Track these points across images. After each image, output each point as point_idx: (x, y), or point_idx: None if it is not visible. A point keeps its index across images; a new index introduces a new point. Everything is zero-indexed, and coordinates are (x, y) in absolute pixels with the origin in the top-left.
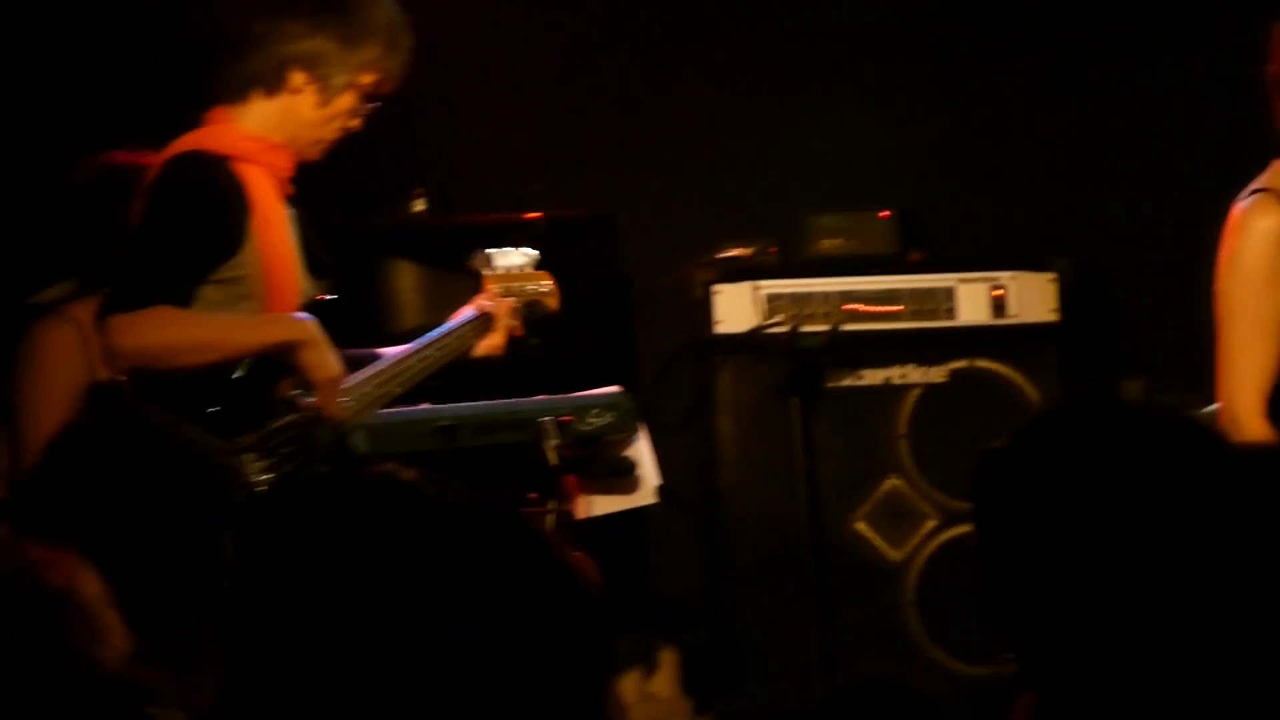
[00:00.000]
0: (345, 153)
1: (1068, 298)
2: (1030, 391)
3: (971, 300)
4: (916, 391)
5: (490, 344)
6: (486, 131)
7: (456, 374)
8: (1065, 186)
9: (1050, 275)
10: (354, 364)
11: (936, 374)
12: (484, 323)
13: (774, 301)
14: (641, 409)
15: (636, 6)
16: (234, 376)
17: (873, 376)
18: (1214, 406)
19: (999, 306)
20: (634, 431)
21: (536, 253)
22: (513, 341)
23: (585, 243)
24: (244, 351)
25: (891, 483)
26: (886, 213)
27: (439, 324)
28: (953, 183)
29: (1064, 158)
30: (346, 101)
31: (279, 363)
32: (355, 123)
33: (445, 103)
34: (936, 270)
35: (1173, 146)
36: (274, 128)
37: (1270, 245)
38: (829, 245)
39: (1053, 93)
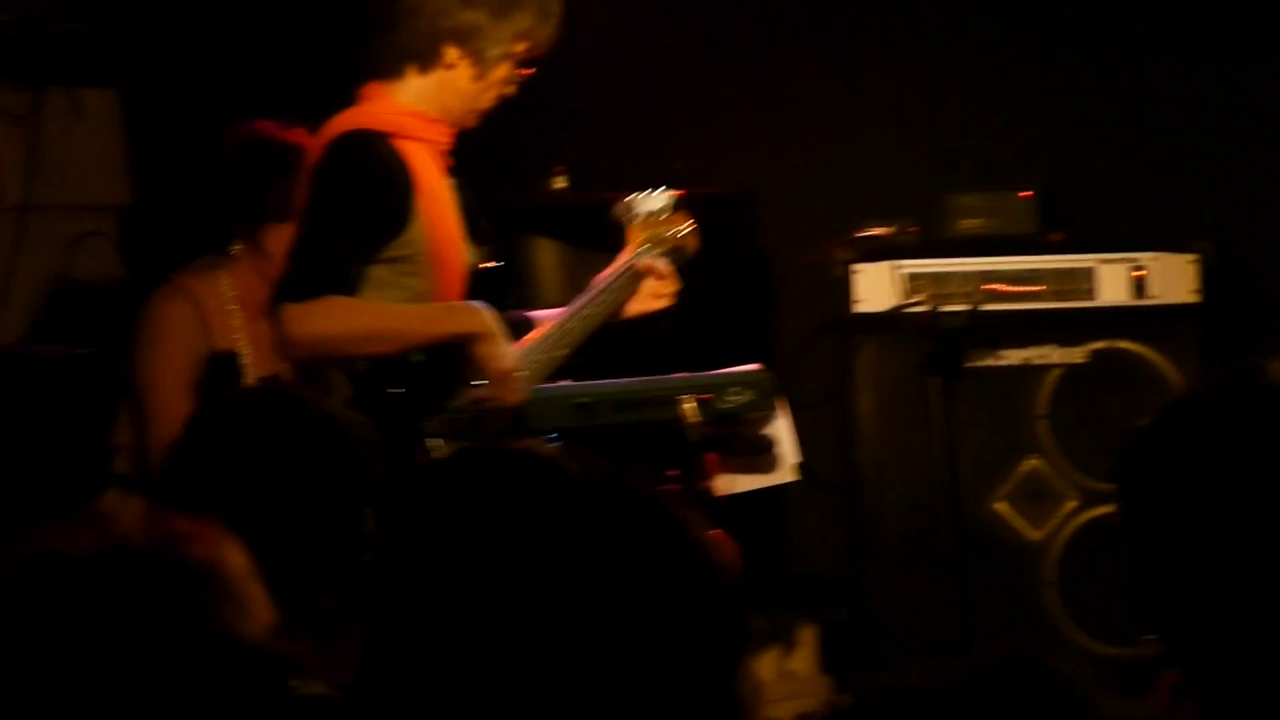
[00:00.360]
0: (487, 129)
1: (1209, 279)
2: (1170, 373)
3: (1112, 281)
4: (1057, 372)
5: (640, 304)
6: (627, 108)
7: (596, 349)
8: (1207, 166)
9: (1191, 256)
10: (511, 328)
11: (1076, 354)
12: (636, 276)
13: (914, 281)
14: (781, 387)
15: None
16: (413, 360)
17: (1012, 356)
18: None
19: (1139, 287)
20: (773, 409)
21: (676, 193)
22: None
23: (725, 220)
24: (419, 343)
25: (1031, 463)
26: (1027, 193)
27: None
28: (1094, 162)
29: (1207, 137)
30: (501, 72)
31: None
32: (510, 89)
33: (586, 79)
34: (1077, 251)
35: None
36: (430, 100)
37: None
38: (969, 225)
39: (1196, 70)
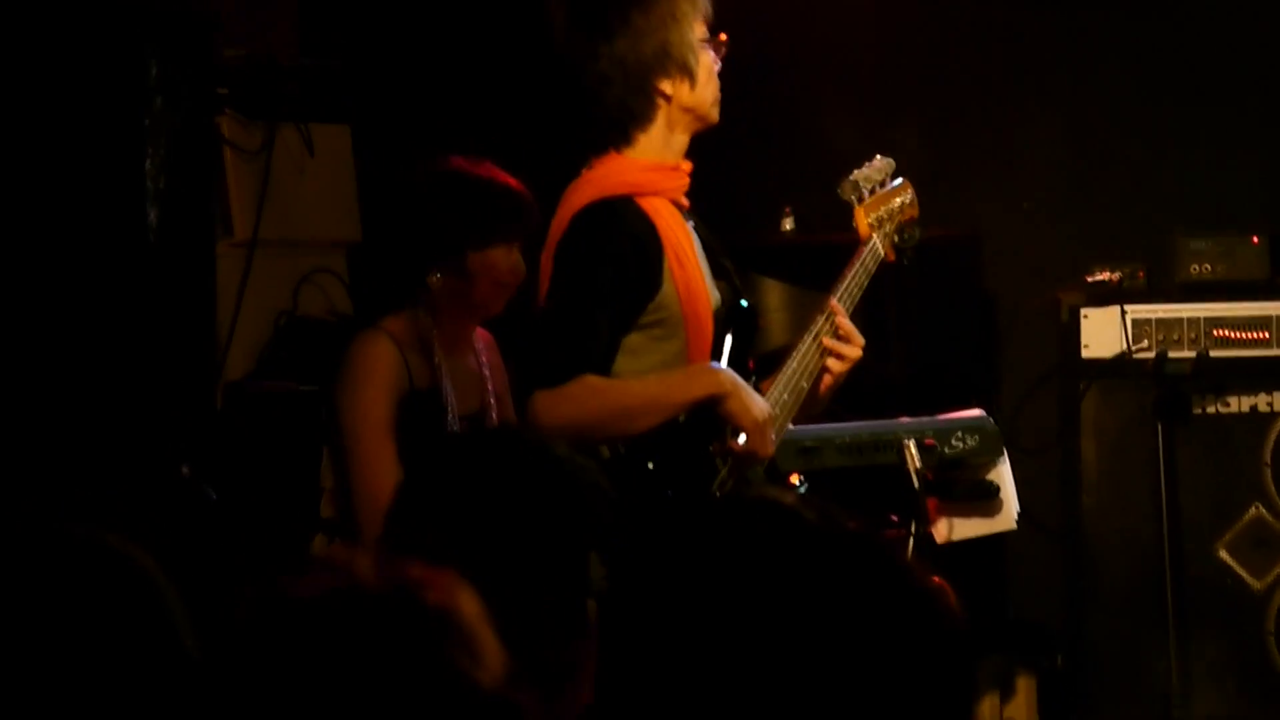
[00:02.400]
0: (715, 171)
1: None
2: None
3: None
4: None
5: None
6: (854, 149)
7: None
8: None
9: None
10: (761, 368)
11: None
12: (876, 259)
13: (1141, 326)
14: (1005, 433)
15: (1003, 27)
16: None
17: (1239, 403)
18: None
19: None
20: (997, 455)
21: (892, 161)
22: (896, 252)
23: (950, 263)
24: (669, 413)
25: (1255, 511)
26: (1257, 238)
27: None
28: None
29: None
30: (705, 61)
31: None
32: (719, 65)
33: (813, 121)
34: None
35: None
36: (663, 143)
37: None
38: (1198, 270)
39: None
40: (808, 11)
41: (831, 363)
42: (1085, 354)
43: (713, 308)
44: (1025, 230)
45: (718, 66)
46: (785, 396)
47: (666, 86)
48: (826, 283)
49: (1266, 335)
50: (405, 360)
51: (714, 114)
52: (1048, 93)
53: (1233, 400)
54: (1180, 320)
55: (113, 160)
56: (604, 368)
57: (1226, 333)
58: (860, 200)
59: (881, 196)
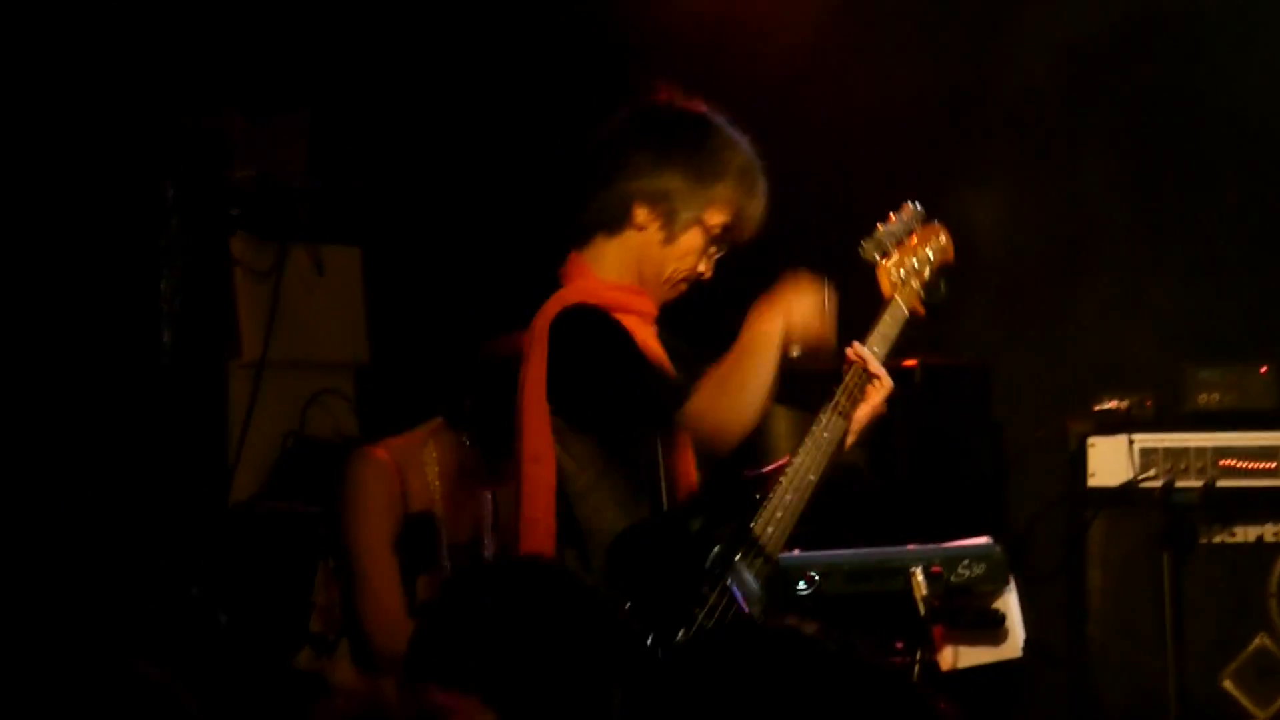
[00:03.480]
0: (725, 295)
1: None
2: None
3: None
4: None
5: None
6: (857, 279)
7: (827, 519)
8: None
9: None
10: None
11: None
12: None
13: (1149, 455)
14: (1012, 561)
15: (1009, 163)
16: (693, 529)
17: (1245, 533)
18: None
19: None
20: (1004, 583)
21: (920, 209)
22: (926, 306)
23: (959, 391)
24: (773, 362)
25: (1260, 641)
26: (1266, 368)
27: None
28: None
29: None
30: (693, 240)
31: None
32: (705, 268)
33: (814, 247)
34: None
35: None
36: (624, 268)
37: None
38: (1206, 399)
39: None
40: (804, 138)
41: (860, 409)
42: (1092, 482)
43: None
44: (1035, 359)
45: (704, 267)
46: (788, 498)
47: (642, 217)
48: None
49: (1274, 465)
50: (402, 480)
51: (664, 292)
52: (1056, 223)
53: (1239, 530)
54: (1188, 450)
55: (129, 281)
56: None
57: (1234, 463)
58: (884, 256)
59: (908, 248)
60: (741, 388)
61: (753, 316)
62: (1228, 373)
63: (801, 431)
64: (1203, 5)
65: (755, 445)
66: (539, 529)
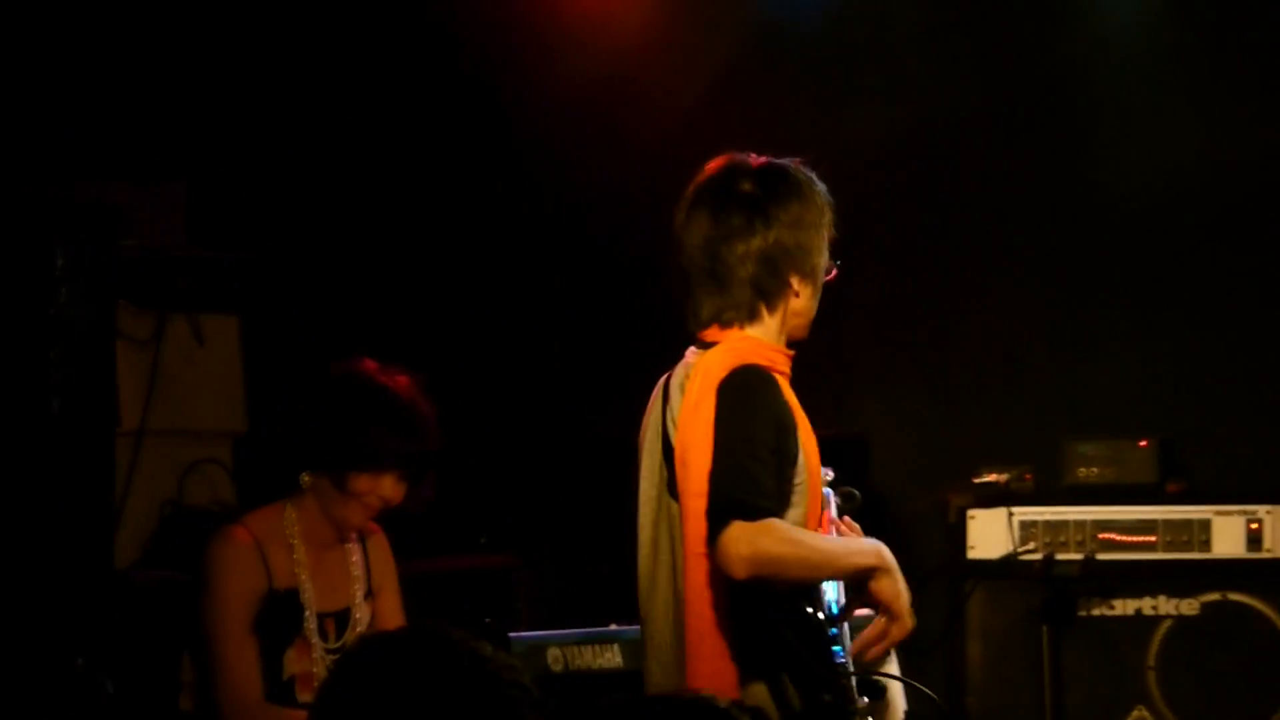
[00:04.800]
0: (612, 364)
1: None
2: None
3: (1227, 533)
4: (1168, 623)
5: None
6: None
7: None
8: None
9: None
10: None
11: (1188, 606)
12: None
13: (1028, 528)
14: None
15: (890, 236)
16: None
17: (1124, 606)
18: None
19: (1255, 540)
20: (885, 655)
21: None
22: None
23: (839, 462)
24: (840, 573)
25: (1138, 713)
26: (1145, 442)
27: None
28: (1214, 413)
29: None
30: (820, 281)
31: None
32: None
33: None
34: (1193, 502)
35: None
36: (777, 332)
37: None
38: (1086, 473)
39: None
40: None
41: None
42: (971, 555)
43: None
44: (915, 431)
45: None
46: None
47: (797, 283)
48: None
49: (1154, 539)
50: (264, 556)
51: (804, 332)
52: (936, 296)
53: (1118, 603)
54: (1068, 523)
55: (18, 349)
56: (780, 515)
57: (1114, 536)
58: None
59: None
60: (810, 566)
61: (876, 545)
62: (1107, 447)
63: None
64: (1074, 88)
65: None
66: (705, 561)
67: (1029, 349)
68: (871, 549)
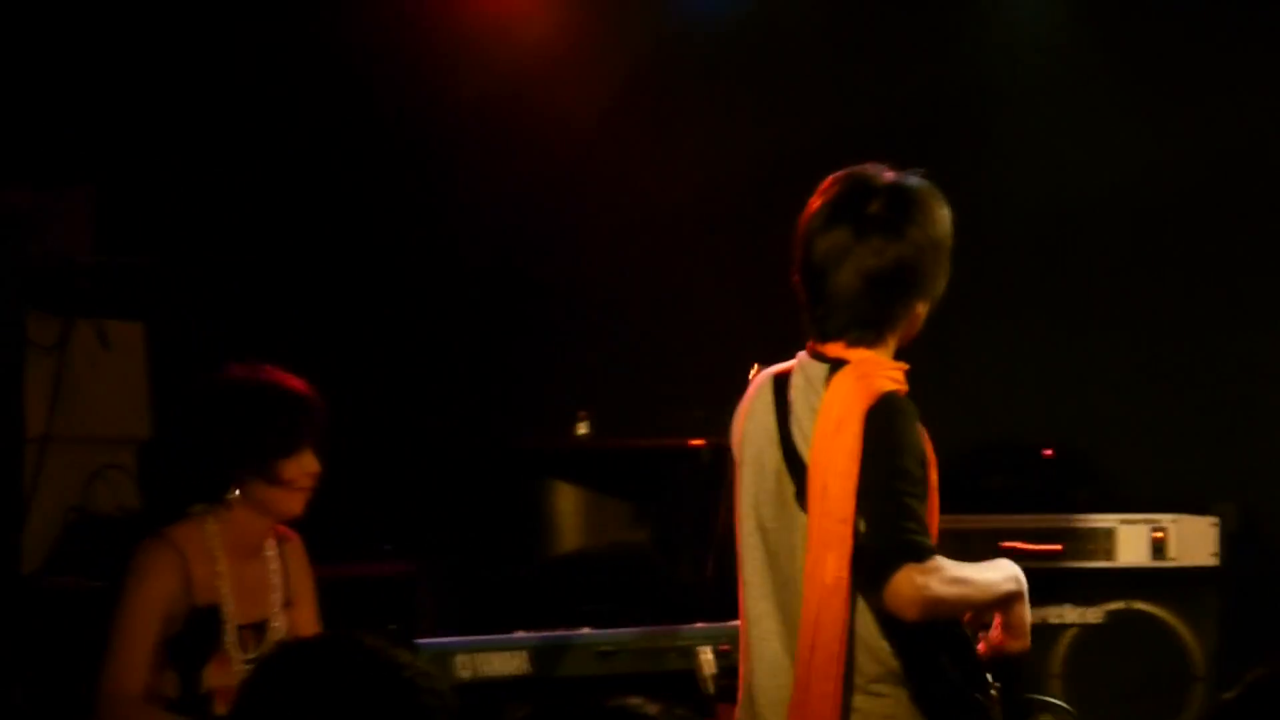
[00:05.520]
0: (512, 374)
1: (1229, 543)
2: (1188, 636)
3: (1131, 542)
4: (1073, 631)
5: None
6: (651, 356)
7: (615, 599)
8: (1231, 430)
9: (1212, 519)
10: None
11: (1093, 614)
12: None
13: None
14: None
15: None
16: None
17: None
18: None
19: (1159, 549)
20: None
21: None
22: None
23: (720, 472)
24: (992, 603)
25: None
26: (1050, 451)
27: (596, 548)
28: (1117, 423)
29: (1230, 401)
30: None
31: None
32: None
33: (613, 328)
34: (1097, 510)
35: None
36: (893, 351)
37: None
38: (990, 482)
39: (1220, 335)
40: (590, 226)
41: None
42: None
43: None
44: None
45: None
46: None
47: (920, 306)
48: (624, 487)
49: (1059, 548)
50: (188, 571)
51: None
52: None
53: None
54: (972, 532)
55: None
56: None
57: (1018, 545)
58: None
59: None
60: (972, 603)
61: (1015, 569)
62: (1012, 456)
63: (586, 513)
64: (975, 99)
65: (540, 524)
66: (843, 587)
67: (929, 358)
68: (1014, 574)
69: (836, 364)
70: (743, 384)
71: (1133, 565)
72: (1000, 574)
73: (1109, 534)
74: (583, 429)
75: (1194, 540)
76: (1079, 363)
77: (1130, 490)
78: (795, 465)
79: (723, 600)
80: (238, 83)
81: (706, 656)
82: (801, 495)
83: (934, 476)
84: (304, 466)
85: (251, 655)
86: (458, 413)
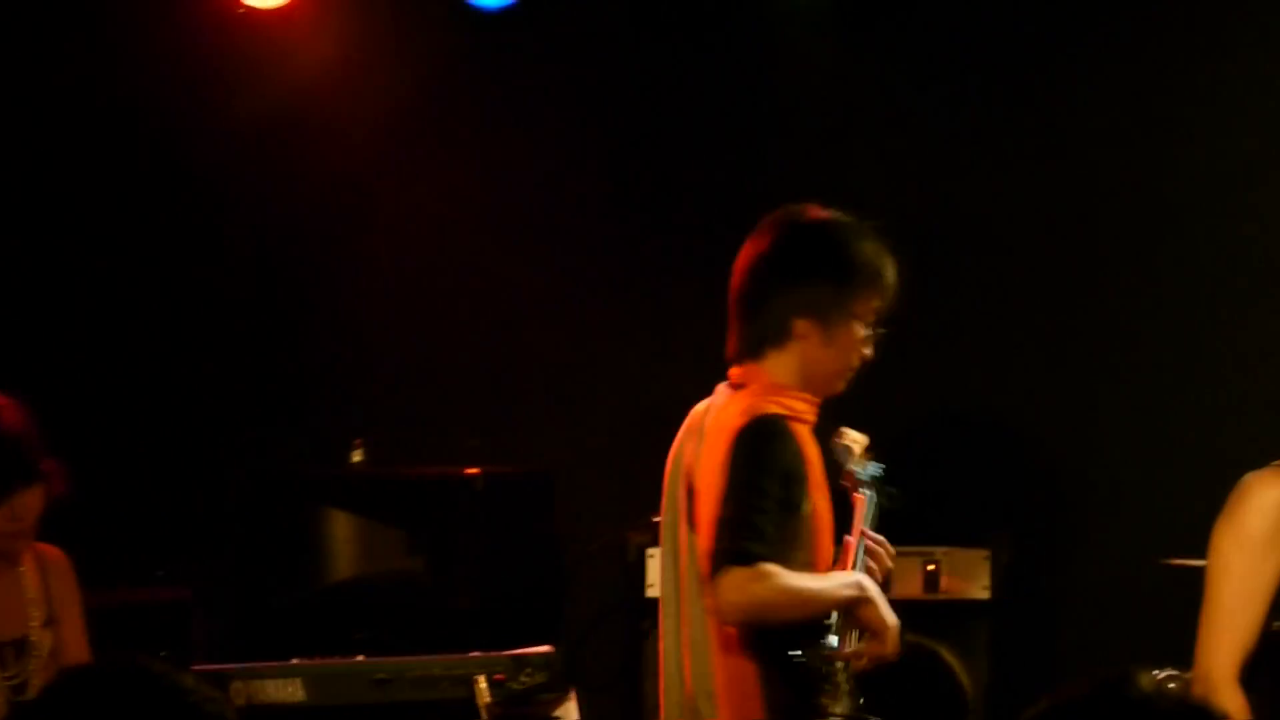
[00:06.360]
0: (287, 400)
1: (1001, 576)
2: (959, 668)
3: (904, 574)
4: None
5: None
6: (426, 384)
7: (389, 627)
8: (1004, 462)
9: (984, 552)
10: None
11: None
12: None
13: None
14: (571, 669)
15: (574, 269)
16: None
17: None
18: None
19: (931, 581)
20: (564, 691)
21: (855, 435)
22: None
23: (522, 499)
24: (826, 609)
25: None
26: None
27: (371, 575)
28: (890, 455)
29: (1002, 434)
30: (851, 335)
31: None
32: (868, 350)
33: (389, 355)
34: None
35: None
36: (792, 374)
37: (1271, 515)
38: None
39: (991, 370)
40: (366, 252)
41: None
42: (650, 593)
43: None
44: (596, 469)
45: (867, 350)
46: None
47: (803, 328)
48: (399, 514)
49: None
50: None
51: (837, 385)
52: (618, 335)
53: None
54: None
55: None
56: (781, 560)
57: None
58: (855, 489)
59: (858, 463)
60: (798, 607)
61: (857, 577)
62: None
63: (362, 540)
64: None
65: (316, 551)
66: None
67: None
68: (853, 581)
69: (738, 388)
70: (520, 413)
71: (905, 598)
72: (836, 582)
73: None
74: (358, 456)
75: (966, 573)
76: (851, 393)
77: (903, 522)
78: (688, 487)
79: (498, 629)
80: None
81: (482, 685)
82: (690, 515)
83: (819, 502)
84: (15, 512)
85: (11, 672)
86: (233, 439)
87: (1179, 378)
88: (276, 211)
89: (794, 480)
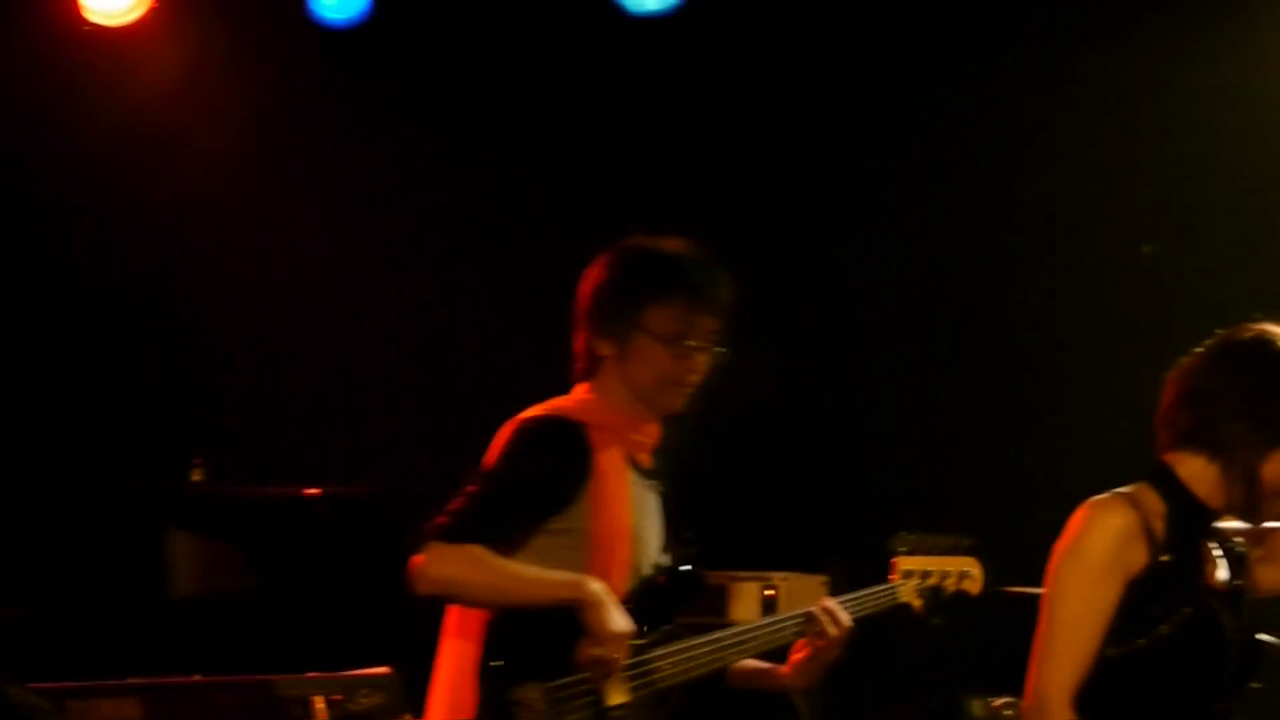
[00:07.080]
0: (121, 421)
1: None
2: (795, 694)
3: (743, 599)
4: (679, 690)
5: (802, 657)
6: (269, 405)
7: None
8: (841, 487)
9: (822, 577)
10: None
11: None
12: (809, 622)
13: None
14: (410, 690)
15: (418, 287)
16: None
17: None
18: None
19: (770, 606)
20: (402, 712)
21: (966, 539)
22: (915, 618)
23: (362, 519)
24: (528, 603)
25: None
26: None
27: (209, 594)
28: (727, 480)
29: (840, 458)
30: (646, 349)
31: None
32: (688, 368)
33: (232, 374)
34: (709, 567)
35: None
36: (613, 391)
37: (1112, 542)
38: None
39: (826, 397)
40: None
41: (812, 640)
42: None
43: (635, 555)
44: (443, 488)
45: (693, 367)
46: (696, 653)
47: (600, 346)
48: (238, 534)
49: None
50: None
51: (659, 400)
52: (468, 347)
53: None
54: None
55: None
56: (499, 548)
57: None
58: (904, 553)
59: (931, 560)
60: (495, 591)
61: (579, 578)
62: None
63: (200, 559)
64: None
65: (153, 569)
66: None
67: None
68: (572, 581)
69: None
70: (365, 435)
71: (744, 623)
72: (557, 577)
73: (720, 591)
74: (198, 475)
75: (805, 597)
76: (686, 419)
77: (741, 548)
78: None
79: (337, 650)
80: None
81: (320, 705)
82: None
83: (598, 504)
84: None
85: None
86: (71, 456)
87: (1016, 405)
88: (124, 229)
89: (560, 482)
